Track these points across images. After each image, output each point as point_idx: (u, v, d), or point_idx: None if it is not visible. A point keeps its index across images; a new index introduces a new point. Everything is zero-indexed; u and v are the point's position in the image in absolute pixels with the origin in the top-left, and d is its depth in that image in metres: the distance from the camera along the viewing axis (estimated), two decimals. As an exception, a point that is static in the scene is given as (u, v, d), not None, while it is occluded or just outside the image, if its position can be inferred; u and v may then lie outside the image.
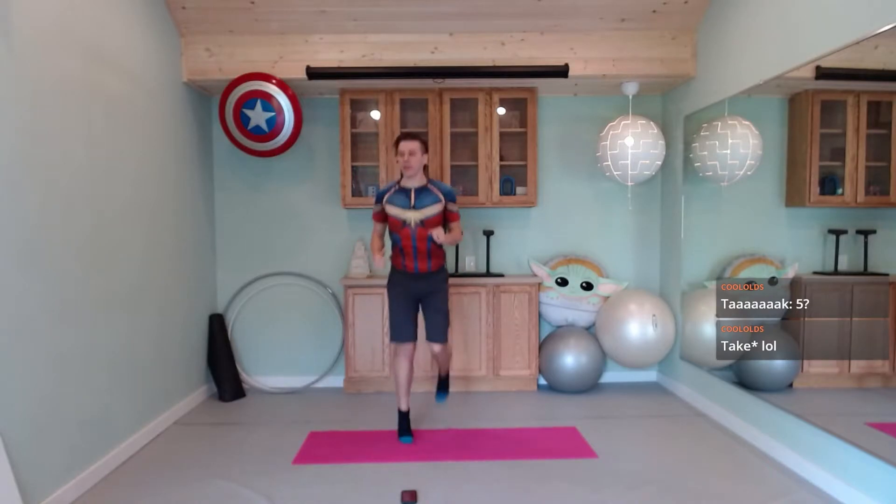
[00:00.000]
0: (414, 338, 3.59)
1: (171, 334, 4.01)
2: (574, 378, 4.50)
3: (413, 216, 3.40)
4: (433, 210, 3.42)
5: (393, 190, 3.49)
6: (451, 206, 3.49)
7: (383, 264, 3.50)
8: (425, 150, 3.44)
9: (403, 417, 3.63)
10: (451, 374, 4.54)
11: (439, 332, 3.56)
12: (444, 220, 3.52)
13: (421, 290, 3.56)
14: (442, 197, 3.45)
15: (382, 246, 3.56)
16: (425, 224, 3.40)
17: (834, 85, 3.17)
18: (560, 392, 4.60)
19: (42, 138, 2.69)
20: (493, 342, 4.57)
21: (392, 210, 3.45)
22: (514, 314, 4.57)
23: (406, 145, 3.36)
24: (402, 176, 3.48)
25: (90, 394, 3.04)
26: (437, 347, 3.60)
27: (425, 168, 3.51)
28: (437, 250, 3.52)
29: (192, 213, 4.39)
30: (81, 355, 2.96)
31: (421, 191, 3.44)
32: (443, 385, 3.90)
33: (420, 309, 3.62)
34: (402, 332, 3.55)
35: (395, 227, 3.46)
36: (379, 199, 3.52)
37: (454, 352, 4.54)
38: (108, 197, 3.24)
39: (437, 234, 3.34)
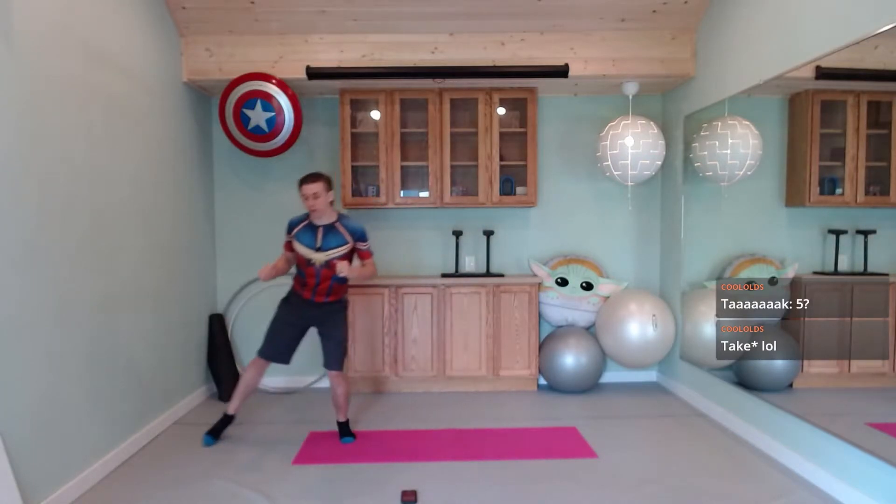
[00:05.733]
0: (281, 361, 3.54)
1: (171, 334, 4.01)
2: (574, 378, 4.50)
3: (318, 257, 3.38)
4: (339, 252, 3.38)
5: (302, 225, 3.43)
6: (361, 246, 3.45)
7: (267, 278, 3.40)
8: (329, 187, 3.38)
9: (225, 420, 3.61)
10: (452, 373, 4.57)
11: (331, 359, 3.51)
12: (358, 256, 3.50)
13: (314, 318, 3.53)
14: (350, 238, 3.41)
15: (278, 274, 3.45)
16: (330, 266, 3.38)
17: (834, 85, 3.17)
18: (560, 392, 4.60)
19: (42, 138, 2.69)
20: (493, 342, 4.56)
21: (299, 248, 3.41)
22: (514, 314, 4.57)
23: (309, 188, 3.29)
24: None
25: (90, 394, 3.04)
26: (332, 373, 3.55)
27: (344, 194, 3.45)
28: (339, 288, 3.50)
29: (192, 213, 4.39)
30: (81, 355, 2.96)
31: (329, 230, 3.40)
32: (344, 430, 3.66)
33: (318, 335, 3.57)
34: (272, 352, 3.52)
35: (301, 264, 3.45)
36: (289, 230, 3.47)
37: (455, 352, 4.55)
38: (108, 197, 3.24)
39: (342, 267, 3.28)
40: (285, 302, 3.59)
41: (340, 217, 3.47)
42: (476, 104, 4.56)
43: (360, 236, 3.45)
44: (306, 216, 3.45)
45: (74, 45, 2.96)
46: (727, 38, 3.85)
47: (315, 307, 3.50)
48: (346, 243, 3.41)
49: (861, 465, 2.70)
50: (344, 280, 3.48)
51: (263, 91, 4.16)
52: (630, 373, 4.94)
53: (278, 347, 3.53)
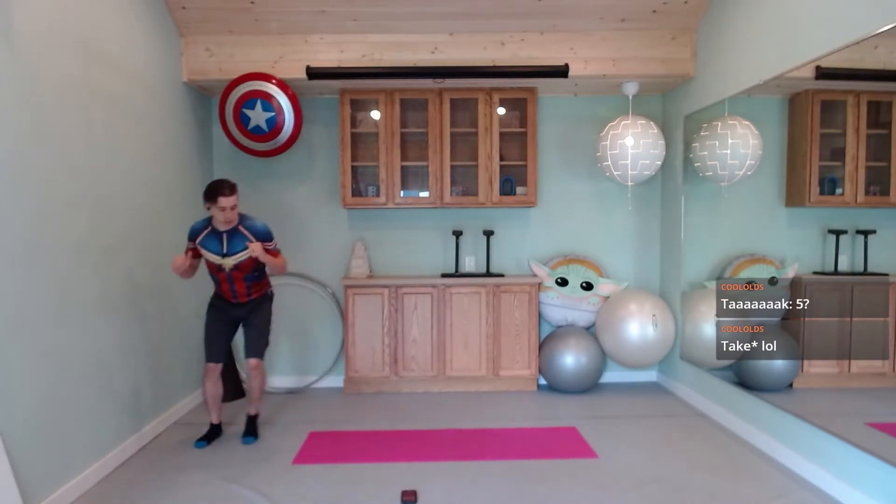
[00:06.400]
0: (225, 359, 3.70)
1: (171, 334, 4.01)
2: (574, 378, 4.50)
3: (227, 262, 3.41)
4: (246, 254, 3.40)
5: (205, 232, 3.43)
6: (268, 245, 3.46)
7: (181, 272, 3.41)
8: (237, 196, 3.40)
9: (214, 428, 3.69)
10: (452, 373, 4.57)
11: (252, 347, 3.60)
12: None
13: (241, 315, 3.63)
14: (252, 239, 3.41)
15: (189, 273, 3.46)
16: (240, 268, 3.42)
17: (834, 85, 3.17)
18: (560, 392, 4.60)
19: (42, 138, 2.69)
20: (493, 342, 4.56)
21: (208, 255, 3.43)
22: (514, 314, 4.57)
23: (228, 201, 3.29)
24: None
25: (90, 394, 3.04)
26: (252, 362, 3.59)
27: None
28: (256, 285, 3.56)
29: (192, 213, 4.38)
30: (81, 355, 2.96)
31: (233, 235, 3.41)
32: (250, 427, 3.70)
33: (243, 326, 3.67)
34: (216, 354, 3.60)
35: (212, 269, 3.48)
36: (192, 238, 3.45)
37: (455, 352, 4.55)
38: (108, 196, 3.24)
39: (255, 248, 3.33)
40: (211, 307, 3.65)
41: (242, 219, 3.46)
42: (476, 104, 4.56)
43: (264, 236, 3.45)
44: (208, 221, 3.44)
45: (74, 45, 2.96)
46: (727, 38, 3.85)
47: (241, 307, 3.60)
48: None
49: (861, 465, 2.70)
50: (259, 277, 3.55)
51: (263, 91, 4.16)
52: (630, 373, 4.94)
53: (218, 350, 3.61)
